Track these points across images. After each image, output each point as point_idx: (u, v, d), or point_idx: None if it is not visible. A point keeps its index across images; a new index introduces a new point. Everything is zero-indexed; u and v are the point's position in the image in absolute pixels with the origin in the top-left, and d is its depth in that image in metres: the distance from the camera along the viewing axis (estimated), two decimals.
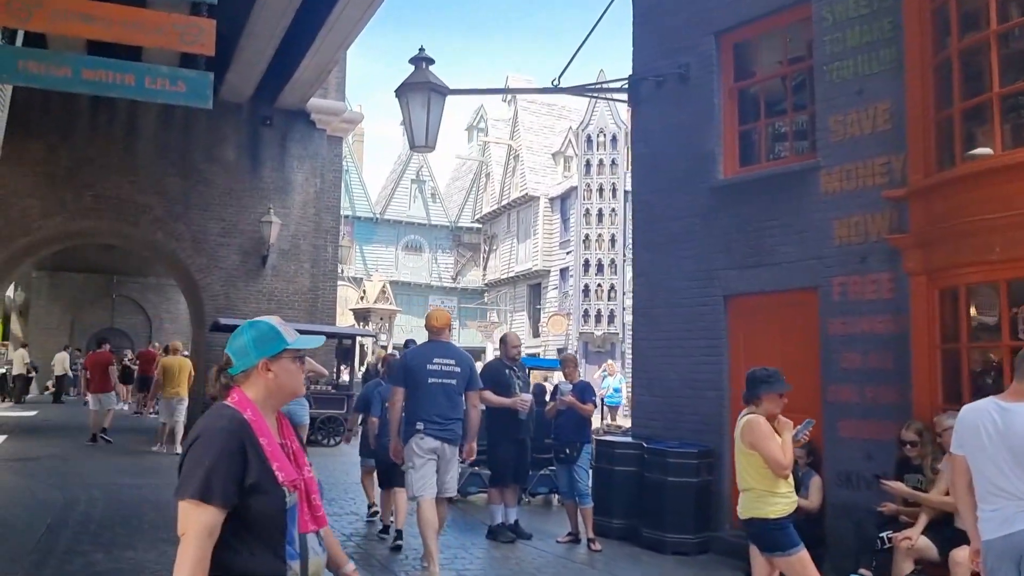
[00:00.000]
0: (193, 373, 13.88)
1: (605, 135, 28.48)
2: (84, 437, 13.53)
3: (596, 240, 28.18)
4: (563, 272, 30.70)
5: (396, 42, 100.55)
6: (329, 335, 16.32)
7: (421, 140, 8.30)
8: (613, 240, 28.08)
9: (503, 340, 7.27)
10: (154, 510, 7.57)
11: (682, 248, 7.69)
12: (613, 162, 28.34)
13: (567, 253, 30.17)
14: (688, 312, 7.58)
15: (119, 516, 7.30)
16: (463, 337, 32.86)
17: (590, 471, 7.11)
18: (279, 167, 16.05)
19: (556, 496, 8.84)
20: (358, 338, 20.82)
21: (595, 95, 8.74)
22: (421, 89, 8.00)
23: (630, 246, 28.56)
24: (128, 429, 14.82)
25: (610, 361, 22.70)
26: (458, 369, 5.90)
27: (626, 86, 8.32)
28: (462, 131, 43.39)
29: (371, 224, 36.29)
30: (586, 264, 28.16)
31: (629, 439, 7.63)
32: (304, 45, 13.56)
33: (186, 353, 14.49)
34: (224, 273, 15.39)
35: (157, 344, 20.86)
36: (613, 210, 28.17)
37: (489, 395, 6.97)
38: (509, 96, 36.25)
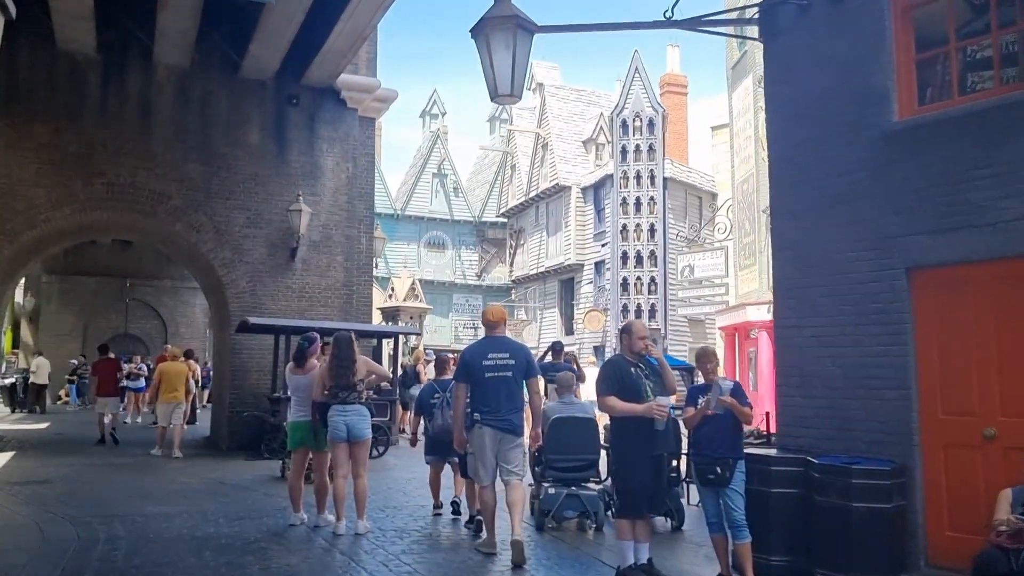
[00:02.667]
0: (192, 378, 14.34)
1: (641, 119, 26.87)
2: (100, 453, 12.27)
3: (634, 231, 26.57)
4: (598, 266, 29.13)
5: (403, 43, 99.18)
6: (373, 335, 14.86)
7: (506, 88, 6.79)
8: (652, 230, 26.47)
9: (627, 331, 5.71)
10: (192, 552, 6.05)
11: (844, 211, 6.13)
12: (651, 147, 26.73)
13: (602, 245, 28.59)
14: (855, 291, 6.02)
15: (148, 562, 5.79)
16: None
17: (744, 495, 5.54)
18: (307, 150, 14.59)
19: (588, 520, 7.32)
20: (384, 340, 19.14)
21: (716, 30, 7.18)
22: (505, 26, 6.52)
23: (671, 237, 27.10)
24: (148, 442, 13.36)
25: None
26: (513, 362, 6.16)
27: (756, 15, 6.77)
28: (484, 122, 41.93)
29: (392, 220, 34.74)
30: (624, 256, 26.57)
31: (787, 453, 6.06)
32: (336, 9, 12.09)
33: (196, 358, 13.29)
34: (250, 268, 13.93)
35: (170, 347, 19.42)
36: (652, 198, 26.57)
37: (615, 402, 5.45)
38: (535, 84, 34.74)
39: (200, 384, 20.81)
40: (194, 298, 27.33)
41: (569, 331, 30.71)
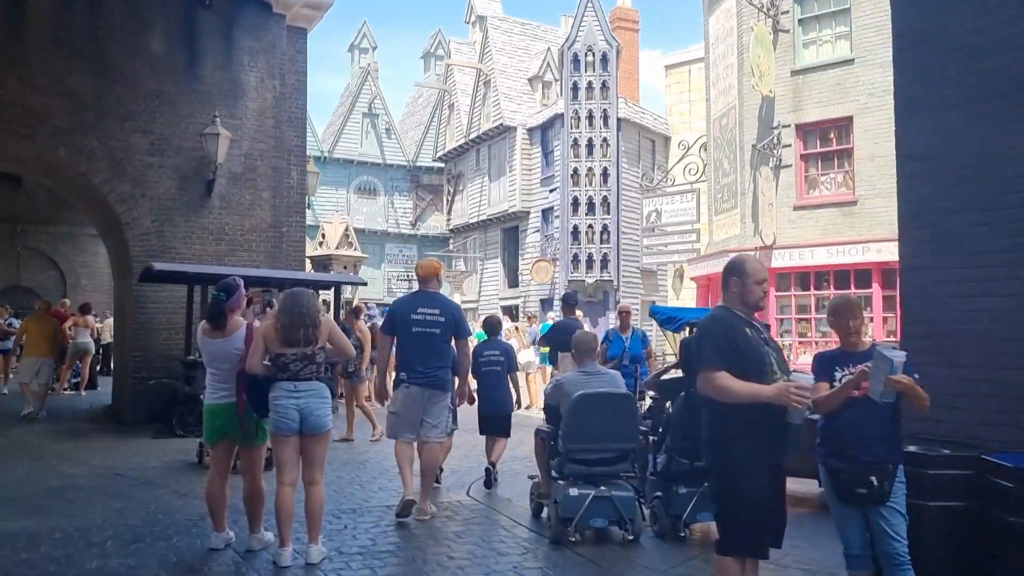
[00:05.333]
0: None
1: (594, 54, 24.87)
2: None
3: (586, 175, 24.73)
4: (545, 213, 27.19)
5: None
6: (312, 284, 12.59)
7: None
8: (605, 174, 24.67)
9: (737, 271, 3.71)
10: None
11: (1019, 100, 4.30)
12: (604, 85, 24.80)
13: (550, 191, 26.63)
14: None
15: None
16: None
17: (905, 515, 3.74)
18: (225, 64, 12.10)
19: (622, 530, 5.47)
20: (322, 292, 16.83)
21: None
22: None
23: (624, 181, 25.32)
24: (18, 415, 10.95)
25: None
26: (442, 319, 6.03)
27: None
28: (418, 59, 39.16)
29: (319, 164, 31.85)
30: (575, 202, 24.74)
31: (944, 449, 4.27)
32: None
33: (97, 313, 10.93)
34: (155, 204, 11.49)
35: (68, 302, 16.71)
36: (605, 140, 24.73)
37: (728, 380, 3.48)
38: (474, 16, 32.23)
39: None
40: (96, 246, 24.34)
41: (513, 283, 28.83)
